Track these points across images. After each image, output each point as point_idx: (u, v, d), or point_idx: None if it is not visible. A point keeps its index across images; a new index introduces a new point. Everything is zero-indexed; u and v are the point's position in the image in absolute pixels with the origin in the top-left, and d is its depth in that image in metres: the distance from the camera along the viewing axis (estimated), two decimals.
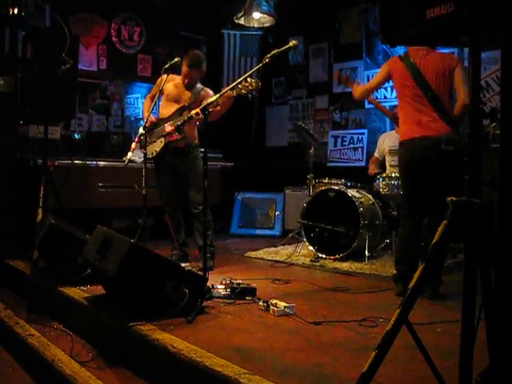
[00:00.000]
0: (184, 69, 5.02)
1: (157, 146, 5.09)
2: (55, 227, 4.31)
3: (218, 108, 4.38)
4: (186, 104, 4.98)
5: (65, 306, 3.89)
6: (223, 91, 3.91)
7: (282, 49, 3.66)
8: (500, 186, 1.39)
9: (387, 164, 6.37)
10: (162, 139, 5.03)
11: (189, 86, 5.08)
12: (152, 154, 5.10)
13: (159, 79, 5.19)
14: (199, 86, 5.13)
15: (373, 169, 6.34)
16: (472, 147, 1.72)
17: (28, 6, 5.62)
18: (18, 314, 4.05)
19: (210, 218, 4.91)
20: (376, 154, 6.54)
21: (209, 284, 3.63)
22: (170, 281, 3.20)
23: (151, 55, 8.32)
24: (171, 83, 5.13)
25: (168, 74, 4.93)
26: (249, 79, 3.85)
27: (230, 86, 3.91)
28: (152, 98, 5.21)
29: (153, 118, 5.07)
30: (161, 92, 5.14)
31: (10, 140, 5.76)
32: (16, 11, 5.55)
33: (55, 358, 3.09)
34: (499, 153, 1.39)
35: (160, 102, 5.29)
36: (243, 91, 3.92)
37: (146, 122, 4.93)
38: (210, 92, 5.05)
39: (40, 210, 4.97)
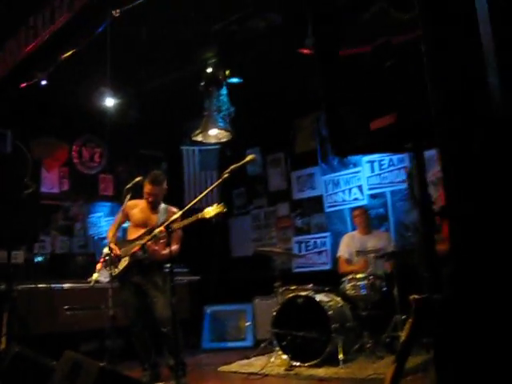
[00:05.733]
0: (146, 187, 5.10)
1: (121, 264, 5.08)
2: (20, 356, 4.17)
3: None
4: (154, 225, 5.02)
5: None
6: (186, 207, 4.03)
7: (240, 163, 3.80)
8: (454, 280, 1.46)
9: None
10: (127, 258, 5.04)
11: (153, 205, 5.15)
12: (115, 272, 5.06)
13: (123, 206, 5.19)
14: (163, 205, 5.21)
15: (360, 266, 6.32)
16: (426, 245, 1.80)
17: None
18: None
19: (181, 335, 4.82)
20: (345, 255, 6.55)
21: None
22: None
23: (112, 174, 8.46)
24: (136, 209, 5.22)
25: (130, 199, 4.99)
26: (215, 205, 4.02)
27: (193, 202, 4.02)
28: (117, 226, 5.28)
29: (117, 251, 5.05)
30: (127, 217, 5.26)
31: None
32: None
33: None
34: (449, 251, 1.47)
35: (128, 228, 5.38)
36: (208, 215, 4.08)
37: (110, 245, 4.95)
38: (175, 210, 5.11)
39: (3, 339, 4.84)
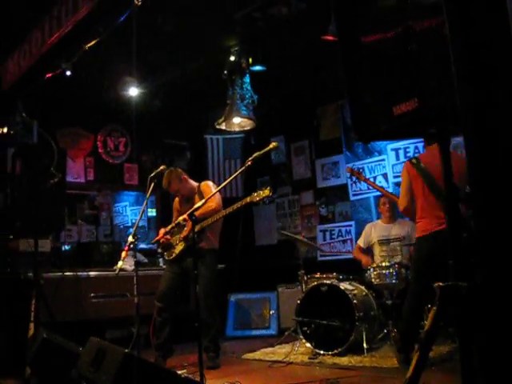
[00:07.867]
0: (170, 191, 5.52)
1: (177, 249, 5.39)
2: (48, 342, 4.22)
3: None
4: None
5: None
6: (211, 195, 4.05)
7: (263, 151, 3.78)
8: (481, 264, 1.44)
9: (377, 254, 6.40)
10: (182, 243, 5.34)
11: (184, 197, 5.42)
12: (171, 256, 5.42)
13: (174, 203, 5.68)
14: (194, 185, 5.46)
15: (367, 261, 6.33)
16: (452, 232, 1.78)
17: (17, 124, 5.81)
18: None
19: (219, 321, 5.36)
20: (360, 243, 6.58)
21: None
22: None
23: (137, 164, 8.51)
24: (179, 204, 5.59)
25: (154, 188, 5.06)
26: (263, 188, 4.26)
27: (217, 189, 4.07)
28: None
29: (168, 237, 5.41)
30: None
31: (1, 255, 5.77)
32: (5, 130, 5.74)
33: None
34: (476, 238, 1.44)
35: None
36: (257, 198, 4.23)
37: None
38: (209, 183, 5.41)
39: (31, 325, 4.90)
